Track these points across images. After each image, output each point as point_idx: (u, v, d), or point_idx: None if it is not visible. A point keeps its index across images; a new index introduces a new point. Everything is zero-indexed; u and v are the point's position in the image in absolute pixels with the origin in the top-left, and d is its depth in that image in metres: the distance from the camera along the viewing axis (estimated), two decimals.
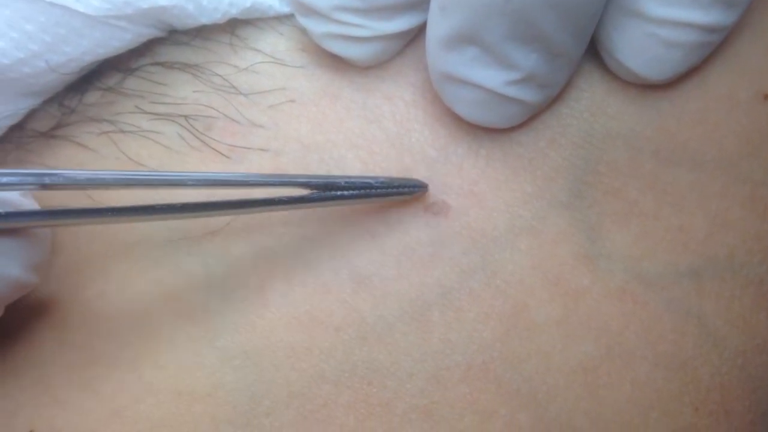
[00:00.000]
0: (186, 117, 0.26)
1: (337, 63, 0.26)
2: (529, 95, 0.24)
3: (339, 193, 0.24)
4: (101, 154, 0.26)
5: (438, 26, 0.24)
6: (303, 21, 0.26)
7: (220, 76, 0.26)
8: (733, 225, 0.26)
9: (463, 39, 0.23)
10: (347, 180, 0.24)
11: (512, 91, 0.24)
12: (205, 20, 0.26)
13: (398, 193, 0.24)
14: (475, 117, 0.25)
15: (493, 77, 0.24)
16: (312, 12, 0.25)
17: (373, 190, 0.24)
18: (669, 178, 0.26)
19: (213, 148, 0.26)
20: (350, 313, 0.25)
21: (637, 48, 0.24)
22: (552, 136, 0.26)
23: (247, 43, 0.27)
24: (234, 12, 0.26)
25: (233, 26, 0.27)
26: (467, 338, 0.25)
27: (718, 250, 0.26)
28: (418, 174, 0.26)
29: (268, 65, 0.27)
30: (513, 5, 0.22)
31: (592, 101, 0.26)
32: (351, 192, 0.24)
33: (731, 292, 0.26)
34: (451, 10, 0.23)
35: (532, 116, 0.26)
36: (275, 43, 0.27)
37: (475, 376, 0.24)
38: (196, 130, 0.26)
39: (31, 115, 0.27)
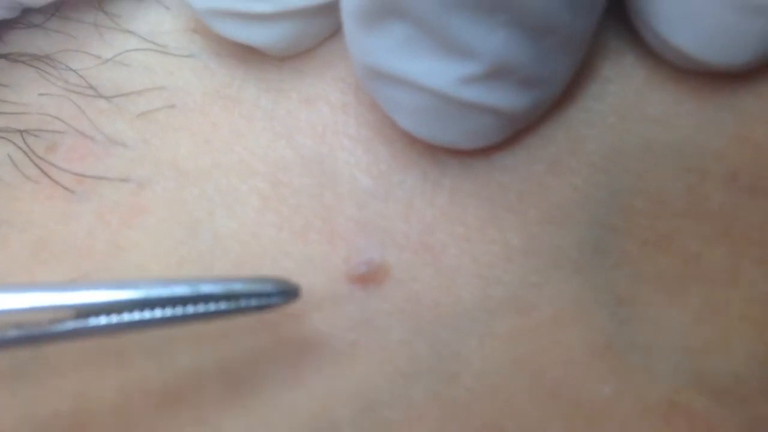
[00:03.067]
0: (23, 133, 0.22)
1: (241, 51, 0.22)
2: (505, 98, 0.19)
3: (97, 323, 0.17)
4: None
5: None
6: None
7: (74, 71, 0.22)
8: None
9: (387, 9, 0.18)
10: (123, 295, 0.17)
11: (474, 93, 0.19)
12: None
13: (236, 311, 0.18)
14: (426, 133, 0.20)
15: (439, 71, 0.19)
16: None
17: (182, 309, 0.18)
18: (755, 218, 0.20)
19: (54, 180, 0.21)
20: None
21: (695, 15, 0.19)
22: (556, 155, 0.21)
23: (119, 23, 0.23)
24: None
25: None
26: None
27: None
28: (344, 215, 0.20)
29: (143, 54, 0.22)
30: None
31: (623, 98, 0.21)
32: (122, 319, 0.17)
33: None
34: None
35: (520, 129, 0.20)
36: (157, 21, 0.23)
37: None
38: (34, 152, 0.22)
39: None
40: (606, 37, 0.21)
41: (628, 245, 0.20)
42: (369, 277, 0.20)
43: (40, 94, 0.22)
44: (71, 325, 0.17)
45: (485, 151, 0.21)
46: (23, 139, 0.22)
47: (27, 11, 0.23)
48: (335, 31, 0.22)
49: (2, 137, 0.22)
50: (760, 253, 0.20)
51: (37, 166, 0.21)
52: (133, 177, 0.21)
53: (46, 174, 0.21)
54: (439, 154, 0.21)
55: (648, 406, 0.19)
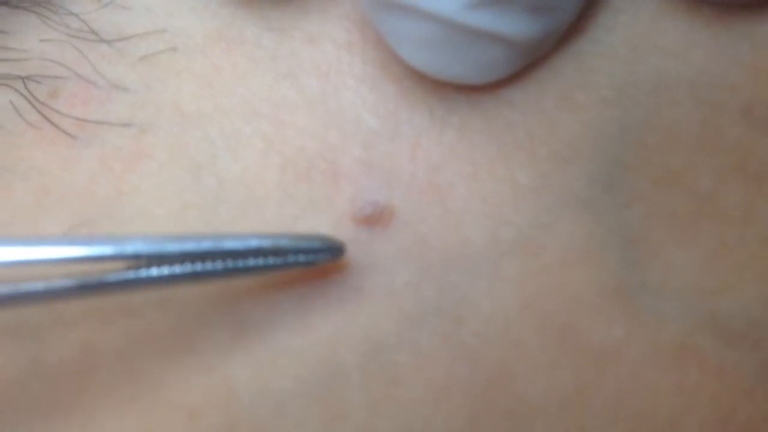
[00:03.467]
0: (25, 79, 0.21)
1: None
2: (514, 25, 0.18)
3: (148, 274, 0.18)
4: None
5: None
6: None
7: (75, 16, 0.22)
8: None
9: None
10: (174, 247, 0.18)
11: (481, 19, 0.18)
12: None
13: (284, 266, 0.19)
14: (432, 66, 0.19)
15: None
16: None
17: (234, 263, 0.18)
18: None
19: (56, 125, 0.21)
20: (216, 386, 0.19)
21: None
22: (566, 89, 0.20)
23: None
24: None
25: None
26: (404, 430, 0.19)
27: None
28: (349, 156, 0.20)
29: None
30: None
31: (634, 29, 0.20)
32: (174, 272, 0.18)
33: None
34: None
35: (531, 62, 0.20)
36: None
37: None
38: (35, 98, 0.21)
39: None
40: None
41: (639, 183, 0.19)
42: (375, 219, 0.20)
43: (42, 40, 0.22)
44: (123, 276, 0.18)
45: (494, 87, 0.20)
46: (25, 85, 0.21)
47: None
48: None
49: (3, 84, 0.21)
50: None
51: (39, 111, 0.21)
52: (135, 121, 0.21)
53: (48, 120, 0.21)
54: (446, 91, 0.20)
55: (658, 349, 0.19)
